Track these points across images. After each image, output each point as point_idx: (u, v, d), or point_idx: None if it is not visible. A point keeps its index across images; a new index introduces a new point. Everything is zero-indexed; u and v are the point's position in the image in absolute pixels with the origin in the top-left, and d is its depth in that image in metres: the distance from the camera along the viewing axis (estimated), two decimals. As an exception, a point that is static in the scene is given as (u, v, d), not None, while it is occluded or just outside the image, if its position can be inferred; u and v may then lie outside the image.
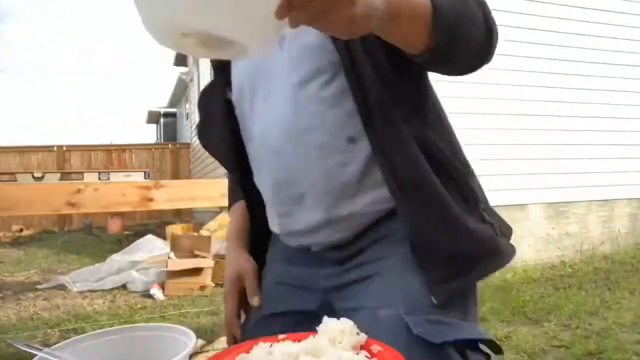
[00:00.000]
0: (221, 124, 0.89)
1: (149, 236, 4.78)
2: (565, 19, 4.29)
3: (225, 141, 0.89)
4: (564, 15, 4.28)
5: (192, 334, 1.20)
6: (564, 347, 2.11)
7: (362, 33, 0.54)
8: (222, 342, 2.05)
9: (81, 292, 3.75)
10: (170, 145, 12.47)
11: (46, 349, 1.12)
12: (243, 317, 0.89)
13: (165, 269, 3.64)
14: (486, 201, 0.80)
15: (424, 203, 0.72)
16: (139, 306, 3.21)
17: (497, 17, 0.67)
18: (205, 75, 8.38)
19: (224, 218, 5.24)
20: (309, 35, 0.71)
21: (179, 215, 11.55)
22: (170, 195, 2.62)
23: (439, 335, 0.64)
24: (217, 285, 3.77)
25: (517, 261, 3.96)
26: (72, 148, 11.43)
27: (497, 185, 3.94)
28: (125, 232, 9.39)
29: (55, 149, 11.26)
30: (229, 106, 0.88)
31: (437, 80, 0.80)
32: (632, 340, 2.12)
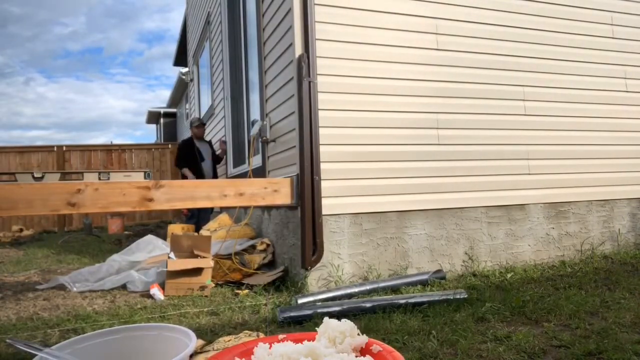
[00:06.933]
0: None
1: (149, 236, 4.79)
2: (567, 12, 4.29)
3: None
4: (565, 12, 4.28)
5: (192, 334, 1.20)
6: (564, 347, 2.11)
7: None
8: (222, 342, 2.05)
9: (81, 292, 3.76)
10: (170, 145, 12.48)
11: (46, 349, 1.12)
12: None
13: (165, 269, 3.64)
14: None
15: None
16: (139, 306, 3.21)
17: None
18: (205, 75, 8.37)
19: (224, 218, 5.23)
20: None
21: (179, 215, 11.57)
22: (170, 195, 2.62)
23: None
24: (217, 285, 3.77)
25: (517, 261, 3.96)
26: (72, 148, 11.44)
27: (497, 185, 3.95)
28: (125, 232, 9.40)
29: (55, 149, 11.28)
30: None
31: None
32: (632, 340, 2.12)
